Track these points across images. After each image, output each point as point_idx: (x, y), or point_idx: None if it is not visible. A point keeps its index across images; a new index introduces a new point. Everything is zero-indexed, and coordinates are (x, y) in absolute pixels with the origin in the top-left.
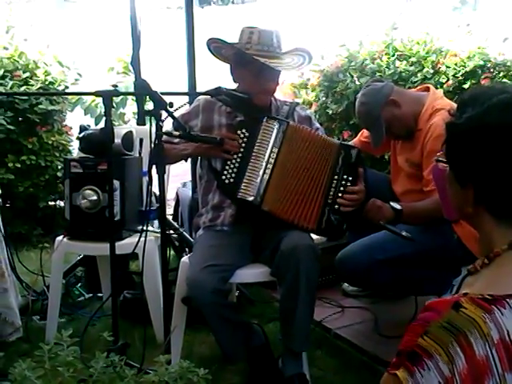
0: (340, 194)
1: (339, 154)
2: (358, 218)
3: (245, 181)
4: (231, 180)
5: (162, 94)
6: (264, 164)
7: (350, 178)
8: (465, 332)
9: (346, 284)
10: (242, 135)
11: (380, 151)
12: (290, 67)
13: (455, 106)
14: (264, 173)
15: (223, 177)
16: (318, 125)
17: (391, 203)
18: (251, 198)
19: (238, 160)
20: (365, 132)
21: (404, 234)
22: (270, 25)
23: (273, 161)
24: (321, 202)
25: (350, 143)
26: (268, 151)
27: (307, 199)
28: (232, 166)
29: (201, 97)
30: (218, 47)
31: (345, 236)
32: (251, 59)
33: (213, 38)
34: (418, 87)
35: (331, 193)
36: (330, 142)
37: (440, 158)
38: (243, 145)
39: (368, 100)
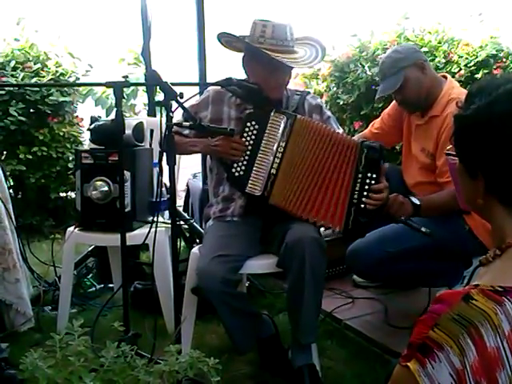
0: (365, 193)
1: (362, 152)
2: (381, 214)
3: (253, 175)
4: (241, 173)
5: (173, 84)
6: (271, 158)
7: (374, 176)
8: (476, 324)
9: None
10: (251, 127)
11: (391, 141)
12: (304, 63)
13: None
14: (271, 167)
15: (233, 169)
16: (329, 113)
17: (411, 198)
18: (259, 193)
19: (248, 153)
20: (376, 123)
21: (423, 229)
22: (282, 17)
23: (280, 155)
24: (346, 202)
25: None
26: (275, 145)
27: (329, 198)
28: (242, 158)
29: (210, 88)
30: (229, 40)
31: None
32: (264, 55)
33: (223, 33)
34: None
35: (356, 192)
36: (350, 141)
37: (450, 152)
38: (253, 137)
39: (403, 50)
